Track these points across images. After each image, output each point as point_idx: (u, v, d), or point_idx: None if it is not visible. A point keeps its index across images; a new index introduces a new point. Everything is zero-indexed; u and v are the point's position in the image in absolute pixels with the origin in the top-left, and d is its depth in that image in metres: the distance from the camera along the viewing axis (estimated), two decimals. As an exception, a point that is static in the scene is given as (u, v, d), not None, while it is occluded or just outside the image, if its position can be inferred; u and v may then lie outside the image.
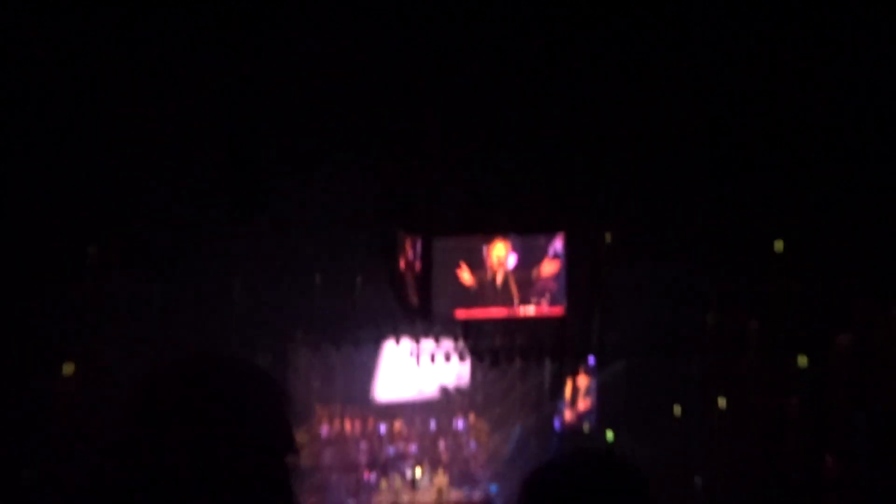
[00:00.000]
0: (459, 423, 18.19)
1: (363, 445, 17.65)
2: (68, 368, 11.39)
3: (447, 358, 13.16)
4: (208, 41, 9.60)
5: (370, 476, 17.07)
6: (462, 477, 17.03)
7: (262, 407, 1.65)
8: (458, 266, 11.13)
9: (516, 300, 11.36)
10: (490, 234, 11.38)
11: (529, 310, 11.45)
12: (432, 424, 18.06)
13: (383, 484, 16.87)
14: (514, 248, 11.37)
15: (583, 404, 15.47)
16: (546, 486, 1.81)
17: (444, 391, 18.64)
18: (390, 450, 17.63)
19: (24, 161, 9.98)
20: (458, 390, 18.60)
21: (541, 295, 11.41)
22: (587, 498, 1.73)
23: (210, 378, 1.65)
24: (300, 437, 17.11)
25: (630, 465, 1.84)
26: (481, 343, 12.87)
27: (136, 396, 1.63)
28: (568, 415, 15.51)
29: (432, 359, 13.36)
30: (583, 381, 15.38)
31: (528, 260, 11.41)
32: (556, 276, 11.40)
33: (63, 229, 10.72)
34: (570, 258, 11.42)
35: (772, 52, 9.71)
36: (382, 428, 17.90)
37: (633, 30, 9.88)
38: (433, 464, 17.49)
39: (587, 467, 1.82)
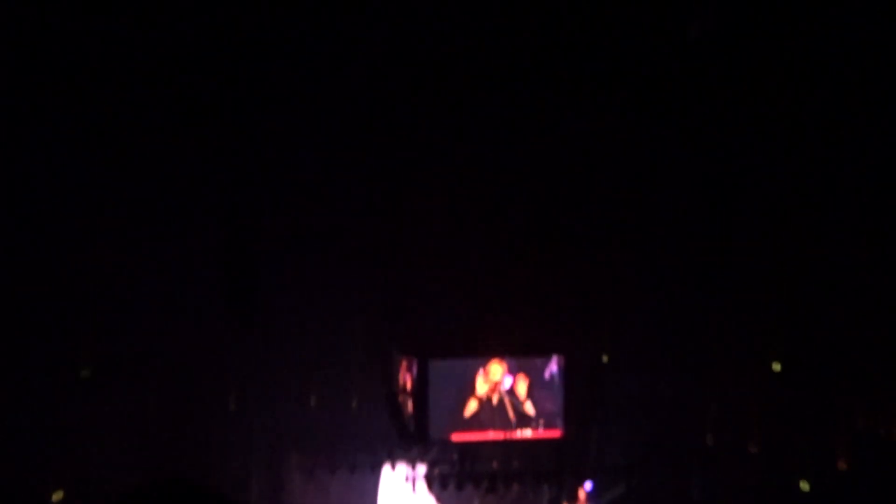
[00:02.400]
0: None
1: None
2: (57, 496, 11.21)
3: (444, 483, 12.91)
4: (203, 152, 9.75)
5: None
6: None
7: None
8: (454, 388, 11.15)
9: (513, 423, 11.28)
10: (486, 356, 11.36)
11: (527, 432, 11.36)
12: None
13: None
14: (510, 370, 11.34)
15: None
16: None
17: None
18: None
19: (19, 276, 9.99)
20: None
21: (538, 417, 11.35)
22: None
23: None
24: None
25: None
26: (478, 467, 12.66)
27: None
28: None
29: (429, 484, 13.11)
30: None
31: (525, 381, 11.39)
32: (553, 399, 11.35)
33: (57, 350, 10.67)
34: (568, 379, 11.37)
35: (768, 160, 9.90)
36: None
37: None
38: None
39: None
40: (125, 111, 9.49)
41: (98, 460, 11.35)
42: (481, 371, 11.30)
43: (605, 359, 12.30)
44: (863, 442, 10.95)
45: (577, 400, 11.53)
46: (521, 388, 11.34)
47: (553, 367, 11.37)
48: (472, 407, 11.14)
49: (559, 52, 9.87)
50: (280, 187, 10.43)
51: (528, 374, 11.41)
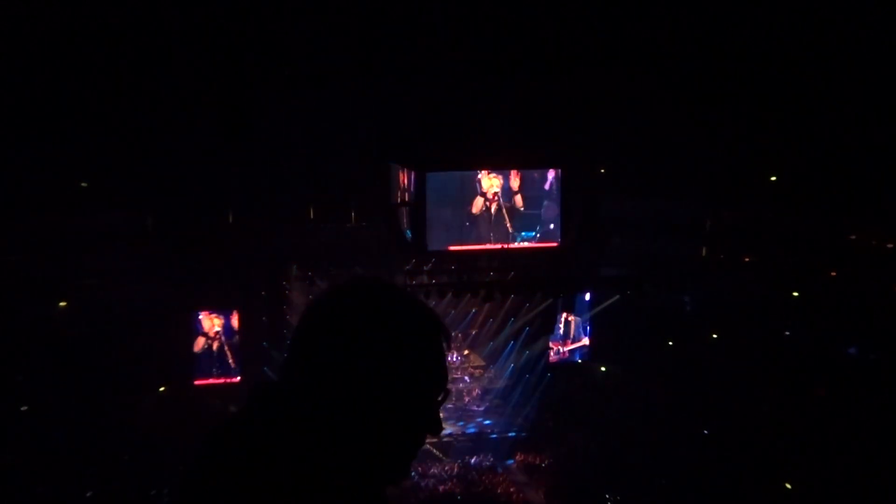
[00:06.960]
0: (454, 358, 18.30)
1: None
2: (62, 303, 11.42)
3: (441, 293, 13.13)
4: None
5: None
6: (456, 411, 17.16)
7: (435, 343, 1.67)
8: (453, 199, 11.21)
9: (510, 234, 11.39)
10: (484, 168, 11.36)
11: (524, 243, 11.48)
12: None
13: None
14: (508, 182, 11.39)
15: (576, 338, 15.55)
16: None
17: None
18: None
19: (18, 94, 9.86)
20: (452, 325, 18.70)
21: (535, 229, 11.46)
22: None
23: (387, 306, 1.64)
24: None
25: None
26: (475, 277, 12.85)
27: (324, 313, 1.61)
28: (561, 348, 15.60)
29: (427, 293, 13.34)
30: (576, 314, 15.44)
31: (524, 194, 11.45)
32: (551, 210, 11.43)
33: (57, 164, 10.63)
34: (566, 192, 11.41)
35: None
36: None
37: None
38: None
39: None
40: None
41: (101, 263, 11.52)
42: (479, 183, 11.34)
43: (602, 171, 12.34)
44: (854, 252, 11.07)
45: (574, 211, 11.61)
46: (519, 200, 11.41)
47: (551, 178, 11.41)
48: (469, 218, 11.23)
49: None
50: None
51: (527, 185, 11.46)
